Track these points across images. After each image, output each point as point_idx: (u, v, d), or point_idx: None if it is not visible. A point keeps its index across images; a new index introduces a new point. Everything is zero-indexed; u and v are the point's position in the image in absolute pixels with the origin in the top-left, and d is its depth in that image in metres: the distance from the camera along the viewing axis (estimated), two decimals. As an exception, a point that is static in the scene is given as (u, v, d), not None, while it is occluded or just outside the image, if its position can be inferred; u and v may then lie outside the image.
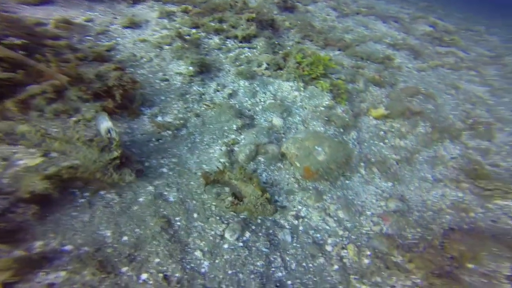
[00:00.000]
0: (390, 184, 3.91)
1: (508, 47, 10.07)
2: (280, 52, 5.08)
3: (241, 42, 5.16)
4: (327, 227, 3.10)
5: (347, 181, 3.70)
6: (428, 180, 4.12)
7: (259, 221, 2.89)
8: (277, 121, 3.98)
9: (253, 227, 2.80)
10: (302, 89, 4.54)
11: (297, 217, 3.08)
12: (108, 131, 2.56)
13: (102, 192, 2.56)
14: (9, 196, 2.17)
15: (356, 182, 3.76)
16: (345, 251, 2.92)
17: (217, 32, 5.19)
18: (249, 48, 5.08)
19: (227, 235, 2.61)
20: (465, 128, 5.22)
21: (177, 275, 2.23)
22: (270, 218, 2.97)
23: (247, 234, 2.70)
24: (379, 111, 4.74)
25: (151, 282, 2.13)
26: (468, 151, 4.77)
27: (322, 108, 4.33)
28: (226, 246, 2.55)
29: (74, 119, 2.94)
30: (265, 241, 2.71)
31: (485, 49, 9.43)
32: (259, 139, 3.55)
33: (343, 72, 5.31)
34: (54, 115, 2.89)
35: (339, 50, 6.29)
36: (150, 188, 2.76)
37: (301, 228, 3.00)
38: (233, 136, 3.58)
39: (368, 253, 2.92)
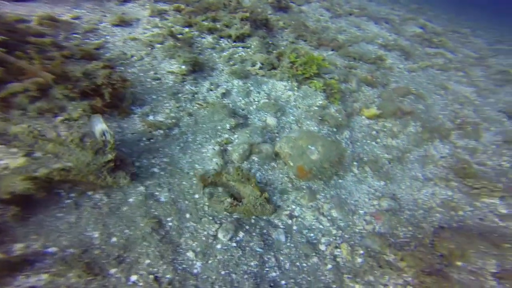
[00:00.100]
0: (382, 183, 3.95)
1: (492, 49, 10.39)
2: (274, 51, 5.07)
3: (235, 41, 5.13)
4: (321, 226, 3.10)
5: (340, 180, 3.72)
6: (419, 179, 4.19)
7: (252, 221, 2.87)
8: (271, 120, 3.97)
9: (247, 227, 2.77)
10: (295, 88, 4.54)
11: (291, 216, 3.07)
12: (103, 133, 2.49)
13: (89, 193, 2.48)
14: (-13, 198, 2.07)
15: (349, 181, 3.79)
16: (338, 250, 2.93)
17: (211, 31, 5.14)
18: (243, 47, 5.05)
19: (220, 235, 2.57)
20: (454, 128, 5.34)
21: (168, 276, 2.18)
22: (264, 217, 2.95)
23: (241, 234, 2.67)
24: (371, 111, 4.80)
25: (141, 283, 2.07)
26: (457, 150, 4.88)
27: (316, 108, 4.34)
28: (219, 246, 2.52)
29: (60, 118, 2.85)
30: (259, 241, 2.69)
31: (471, 50, 9.69)
32: (253, 138, 3.52)
33: (336, 72, 5.35)
34: (37, 114, 2.78)
35: (332, 50, 6.33)
36: (141, 188, 2.70)
37: (295, 227, 3.00)
38: (226, 136, 3.55)
39: (361, 252, 2.94)
